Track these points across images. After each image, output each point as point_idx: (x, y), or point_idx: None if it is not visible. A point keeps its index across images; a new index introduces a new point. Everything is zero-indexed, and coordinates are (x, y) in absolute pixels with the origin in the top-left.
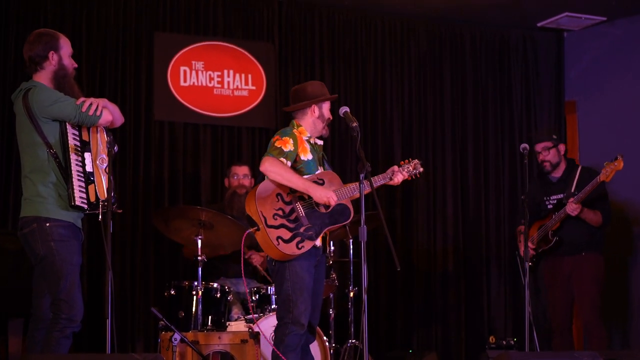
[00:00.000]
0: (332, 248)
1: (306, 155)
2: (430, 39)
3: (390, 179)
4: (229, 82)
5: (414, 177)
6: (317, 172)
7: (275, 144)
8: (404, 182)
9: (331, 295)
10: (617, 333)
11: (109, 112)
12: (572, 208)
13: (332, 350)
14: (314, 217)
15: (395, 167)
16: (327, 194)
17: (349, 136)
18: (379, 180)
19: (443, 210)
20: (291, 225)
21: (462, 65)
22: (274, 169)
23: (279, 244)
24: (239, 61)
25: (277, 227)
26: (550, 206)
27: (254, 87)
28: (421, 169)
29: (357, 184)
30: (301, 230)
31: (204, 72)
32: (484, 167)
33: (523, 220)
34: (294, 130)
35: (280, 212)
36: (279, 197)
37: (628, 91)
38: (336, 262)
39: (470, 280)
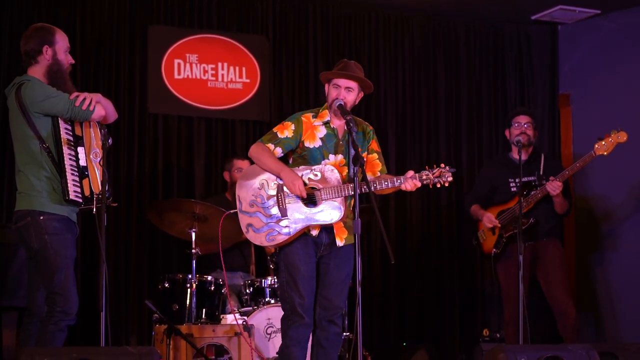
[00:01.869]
0: None
1: (312, 142)
2: (424, 33)
3: (401, 183)
4: (223, 75)
5: (437, 185)
6: (321, 165)
7: (274, 128)
8: (396, 175)
9: None
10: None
11: (102, 107)
12: (555, 186)
13: None
14: (296, 212)
15: (410, 172)
16: (295, 182)
17: None
18: (384, 183)
19: (437, 203)
20: (266, 215)
21: (456, 59)
22: (255, 155)
23: (247, 231)
24: (233, 54)
25: (250, 215)
26: (514, 189)
27: (248, 80)
28: (450, 178)
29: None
30: (276, 222)
31: (198, 65)
32: (478, 160)
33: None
34: (304, 115)
35: (259, 200)
36: (263, 184)
37: (622, 84)
38: None
39: (464, 274)
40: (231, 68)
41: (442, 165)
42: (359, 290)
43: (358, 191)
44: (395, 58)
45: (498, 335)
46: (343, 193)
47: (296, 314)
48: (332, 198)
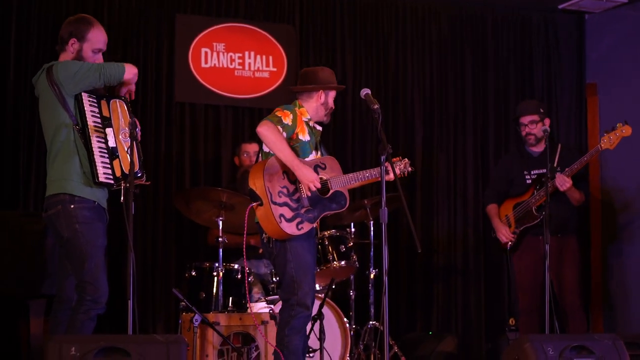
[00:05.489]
0: (353, 229)
1: (304, 136)
2: (452, 22)
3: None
4: (250, 64)
5: (404, 174)
6: (320, 157)
7: (276, 113)
8: (423, 164)
9: (352, 277)
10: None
11: (132, 65)
12: (562, 180)
13: (352, 332)
14: (315, 200)
15: (387, 164)
16: (311, 177)
17: (370, 118)
18: (367, 175)
19: (464, 193)
20: (293, 205)
21: (484, 48)
22: (271, 135)
23: (281, 221)
24: (260, 43)
25: (280, 205)
26: (529, 181)
27: (274, 69)
28: (410, 169)
29: (356, 173)
30: (302, 211)
31: (225, 54)
32: (505, 150)
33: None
34: (296, 109)
35: (285, 190)
36: (285, 174)
37: None
38: (357, 243)
39: (490, 263)
40: (258, 57)
41: (401, 158)
42: (385, 279)
43: (364, 179)
44: (423, 47)
45: None
46: (350, 183)
47: (303, 305)
48: (340, 187)
